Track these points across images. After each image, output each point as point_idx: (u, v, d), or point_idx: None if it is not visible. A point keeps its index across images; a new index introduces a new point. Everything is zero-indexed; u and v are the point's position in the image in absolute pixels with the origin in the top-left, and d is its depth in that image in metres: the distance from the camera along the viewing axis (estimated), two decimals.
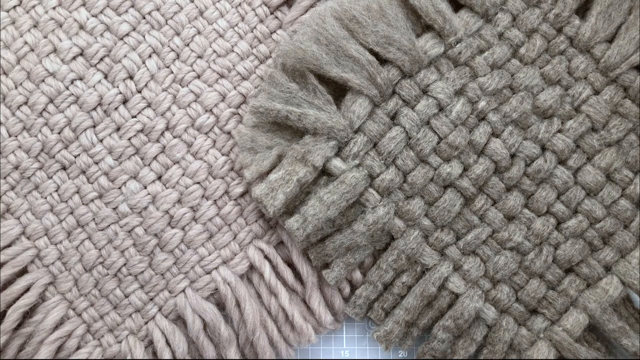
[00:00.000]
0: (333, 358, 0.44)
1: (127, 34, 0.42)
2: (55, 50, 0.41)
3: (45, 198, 0.41)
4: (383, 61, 0.40)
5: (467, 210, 0.41)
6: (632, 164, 0.40)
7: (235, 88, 0.43)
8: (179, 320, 0.41)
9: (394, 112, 0.40)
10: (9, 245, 0.40)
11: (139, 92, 0.42)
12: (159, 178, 0.41)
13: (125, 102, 0.41)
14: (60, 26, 0.42)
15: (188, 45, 0.42)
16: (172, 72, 0.42)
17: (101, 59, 0.41)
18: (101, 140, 0.41)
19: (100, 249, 0.41)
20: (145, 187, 0.41)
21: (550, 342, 0.40)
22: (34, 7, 0.42)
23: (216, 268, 0.41)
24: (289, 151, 0.39)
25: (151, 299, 0.41)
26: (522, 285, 0.41)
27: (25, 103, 0.41)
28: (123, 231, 0.41)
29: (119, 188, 0.41)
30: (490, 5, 0.40)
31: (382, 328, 0.41)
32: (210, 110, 0.42)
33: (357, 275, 0.42)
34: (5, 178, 0.40)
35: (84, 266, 0.40)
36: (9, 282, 0.40)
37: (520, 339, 0.40)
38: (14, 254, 0.40)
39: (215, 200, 0.42)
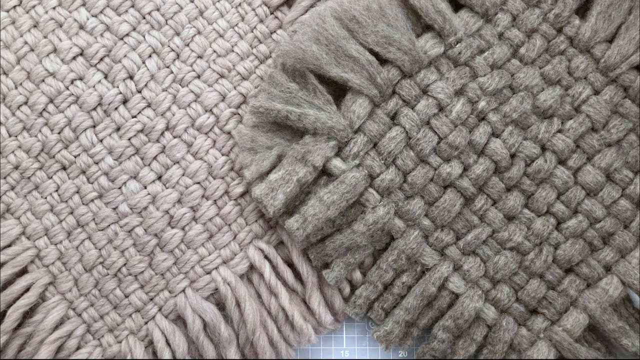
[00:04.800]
0: (333, 358, 0.44)
1: (127, 34, 0.42)
2: (55, 50, 0.41)
3: (45, 198, 0.41)
4: (383, 61, 0.40)
5: (467, 210, 0.41)
6: (632, 164, 0.40)
7: (235, 88, 0.43)
8: (179, 320, 0.41)
9: (394, 112, 0.40)
10: (9, 245, 0.40)
11: (139, 92, 0.42)
12: (159, 178, 0.41)
13: (125, 102, 0.41)
14: (60, 26, 0.42)
15: (188, 45, 0.42)
16: (172, 72, 0.42)
17: (101, 59, 0.41)
18: (101, 140, 0.41)
19: (100, 249, 0.41)
20: (145, 187, 0.41)
21: (550, 342, 0.40)
22: (34, 7, 0.42)
23: (216, 268, 0.41)
24: (289, 151, 0.39)
25: (151, 299, 0.41)
26: (522, 285, 0.41)
27: (25, 103, 0.41)
28: (123, 231, 0.41)
29: (119, 188, 0.41)
30: (490, 5, 0.40)
31: (382, 328, 0.41)
32: (210, 110, 0.42)
33: (357, 275, 0.42)
34: (5, 178, 0.40)
35: (84, 266, 0.40)
36: (9, 282, 0.40)
37: (520, 339, 0.40)
38: (14, 254, 0.40)
39: (215, 200, 0.42)
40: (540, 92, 0.40)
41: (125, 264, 0.41)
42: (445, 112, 0.40)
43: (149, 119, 0.41)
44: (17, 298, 0.39)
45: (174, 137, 0.42)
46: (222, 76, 0.43)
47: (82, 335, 0.40)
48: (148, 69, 0.42)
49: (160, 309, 0.41)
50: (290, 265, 0.42)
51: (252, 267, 0.42)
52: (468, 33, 0.40)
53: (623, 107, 0.41)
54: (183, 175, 0.41)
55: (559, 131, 0.40)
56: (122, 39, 0.42)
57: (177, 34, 0.42)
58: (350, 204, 0.40)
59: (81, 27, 0.42)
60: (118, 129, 0.41)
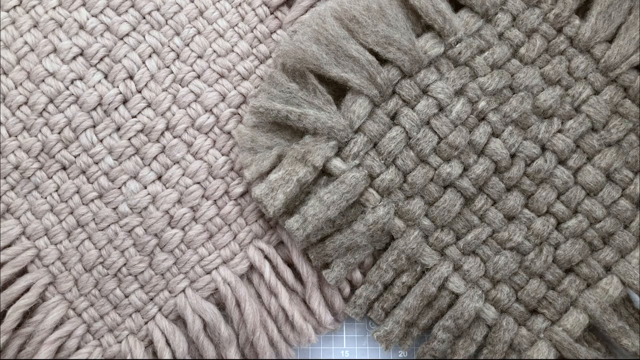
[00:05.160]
0: (333, 358, 0.44)
1: (127, 34, 0.42)
2: (55, 50, 0.41)
3: (45, 198, 0.41)
4: (383, 61, 0.40)
5: (467, 210, 0.41)
6: (632, 164, 0.40)
7: (235, 88, 0.43)
8: (179, 320, 0.41)
9: (394, 112, 0.40)
10: (9, 245, 0.40)
11: (139, 92, 0.42)
12: (159, 178, 0.41)
13: (125, 102, 0.41)
14: (60, 26, 0.42)
15: (188, 45, 0.42)
16: (172, 72, 0.42)
17: (101, 59, 0.41)
18: (101, 140, 0.41)
19: (100, 249, 0.41)
20: (145, 187, 0.41)
21: (550, 342, 0.40)
22: (34, 7, 0.42)
23: (216, 268, 0.41)
24: (289, 151, 0.39)
25: (151, 299, 0.41)
26: (522, 285, 0.41)
27: (25, 103, 0.41)
28: (123, 231, 0.41)
29: (119, 188, 0.41)
30: (490, 5, 0.40)
31: (382, 328, 0.41)
32: (210, 110, 0.42)
33: (357, 275, 0.42)
34: (5, 178, 0.40)
35: (84, 266, 0.40)
36: (9, 282, 0.40)
37: (520, 339, 0.40)
38: (14, 254, 0.40)
39: (215, 200, 0.42)
40: (540, 92, 0.40)
41: (125, 264, 0.41)
42: (445, 112, 0.40)
43: (149, 119, 0.41)
44: (17, 298, 0.39)
45: (174, 137, 0.42)
46: (222, 76, 0.43)
47: (82, 335, 0.40)
48: (148, 69, 0.42)
49: (160, 309, 0.41)
50: (290, 265, 0.42)
51: (252, 267, 0.42)
52: (468, 33, 0.40)
53: (623, 107, 0.41)
54: (183, 175, 0.41)
55: (559, 131, 0.40)
56: (122, 39, 0.42)
57: (177, 34, 0.42)
58: (350, 204, 0.40)
59: (81, 27, 0.42)
60: (118, 129, 0.41)
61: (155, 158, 0.41)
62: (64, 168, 0.41)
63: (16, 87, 0.41)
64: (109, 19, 0.42)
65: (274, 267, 0.42)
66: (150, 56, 0.42)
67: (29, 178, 0.41)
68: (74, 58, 0.41)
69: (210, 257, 0.41)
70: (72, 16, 0.42)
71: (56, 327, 0.40)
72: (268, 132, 0.40)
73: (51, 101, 0.41)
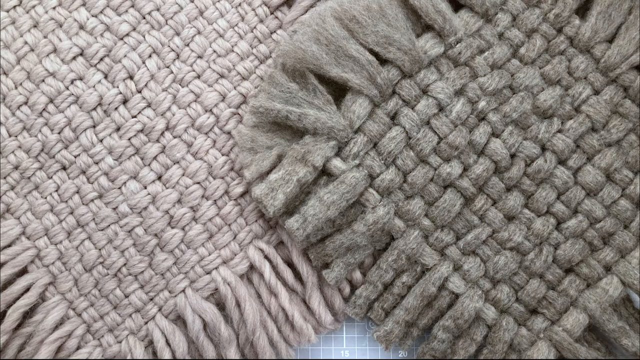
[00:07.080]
0: (333, 358, 0.44)
1: (127, 34, 0.42)
2: (55, 50, 0.41)
3: (45, 198, 0.41)
4: (383, 61, 0.40)
5: (467, 210, 0.41)
6: (632, 164, 0.40)
7: (235, 88, 0.43)
8: (179, 320, 0.41)
9: (394, 112, 0.40)
10: (9, 245, 0.40)
11: (139, 92, 0.42)
12: (159, 178, 0.41)
13: (125, 102, 0.41)
14: (60, 26, 0.42)
15: (188, 45, 0.42)
16: (172, 72, 0.42)
17: (101, 59, 0.41)
18: (101, 140, 0.41)
19: (100, 249, 0.41)
20: (145, 187, 0.41)
21: (550, 342, 0.40)
22: (34, 7, 0.42)
23: (216, 268, 0.41)
24: (289, 151, 0.39)
25: (151, 299, 0.41)
26: (522, 285, 0.41)
27: (25, 103, 0.41)
28: (123, 231, 0.41)
29: (119, 188, 0.41)
30: (490, 5, 0.40)
31: (382, 328, 0.41)
32: (210, 110, 0.42)
33: (357, 275, 0.42)
34: (5, 178, 0.40)
35: (84, 266, 0.40)
36: (9, 282, 0.40)
37: (520, 339, 0.40)
38: (14, 254, 0.40)
39: (215, 200, 0.42)
40: (540, 92, 0.40)
41: (125, 264, 0.41)
42: (445, 112, 0.40)
43: (149, 119, 0.41)
44: (17, 298, 0.39)
45: (174, 137, 0.42)
46: (222, 76, 0.43)
47: (82, 335, 0.40)
48: (148, 69, 0.42)
49: (160, 309, 0.41)
50: (290, 265, 0.42)
51: (252, 267, 0.42)
52: (468, 33, 0.40)
53: (623, 107, 0.41)
54: (183, 175, 0.41)
55: (559, 131, 0.40)
56: (122, 39, 0.42)
57: (177, 34, 0.42)
58: (350, 204, 0.40)
59: (81, 27, 0.42)
60: (118, 129, 0.41)
61: (155, 158, 0.41)
62: (64, 168, 0.41)
63: (16, 87, 0.41)
64: (109, 19, 0.42)
65: (274, 267, 0.42)
66: (150, 56, 0.42)
67: (29, 178, 0.41)
68: (74, 58, 0.41)
69: (210, 257, 0.41)
70: (72, 16, 0.42)
71: (56, 327, 0.40)
72: (268, 132, 0.40)
73: (51, 101, 0.41)
